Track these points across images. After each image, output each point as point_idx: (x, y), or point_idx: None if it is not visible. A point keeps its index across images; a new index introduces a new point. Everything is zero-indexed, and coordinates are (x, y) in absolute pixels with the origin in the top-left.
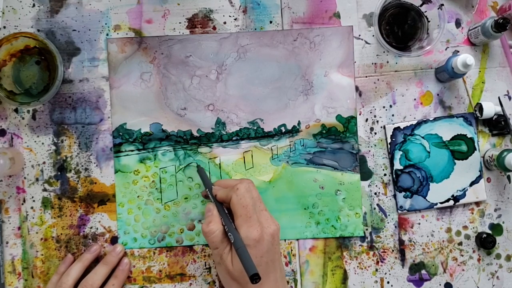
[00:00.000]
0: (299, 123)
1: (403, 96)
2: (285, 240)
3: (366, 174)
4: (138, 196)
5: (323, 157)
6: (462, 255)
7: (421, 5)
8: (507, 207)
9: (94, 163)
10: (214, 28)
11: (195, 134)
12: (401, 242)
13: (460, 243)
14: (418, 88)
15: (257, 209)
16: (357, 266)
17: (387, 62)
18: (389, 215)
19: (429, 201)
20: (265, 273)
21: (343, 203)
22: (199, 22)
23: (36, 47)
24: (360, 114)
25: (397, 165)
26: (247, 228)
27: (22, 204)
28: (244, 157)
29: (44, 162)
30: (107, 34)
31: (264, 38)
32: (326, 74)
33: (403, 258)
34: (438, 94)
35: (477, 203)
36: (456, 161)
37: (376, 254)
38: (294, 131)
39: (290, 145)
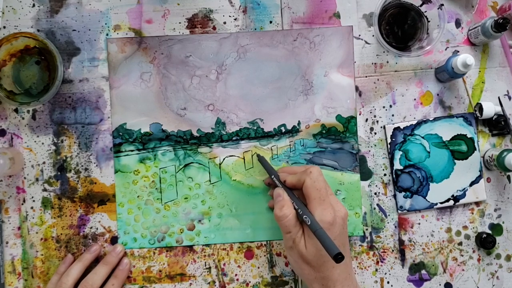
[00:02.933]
0: (299, 123)
1: (403, 96)
2: None
3: (366, 174)
4: (138, 196)
5: (323, 157)
6: (462, 255)
7: (421, 5)
8: (507, 207)
9: (94, 163)
10: (214, 28)
11: (195, 134)
12: (401, 242)
13: (460, 243)
14: (418, 88)
15: (328, 193)
16: (357, 266)
17: (387, 62)
18: (389, 215)
19: (429, 201)
20: None
21: (343, 203)
22: (199, 22)
23: (36, 47)
24: (360, 114)
25: (397, 165)
26: (321, 211)
27: (22, 204)
28: (244, 157)
29: (44, 162)
30: (107, 34)
31: (264, 38)
32: (326, 74)
33: (403, 258)
34: (438, 94)
35: (477, 203)
36: (456, 161)
37: (376, 254)
38: (294, 131)
39: (290, 145)
